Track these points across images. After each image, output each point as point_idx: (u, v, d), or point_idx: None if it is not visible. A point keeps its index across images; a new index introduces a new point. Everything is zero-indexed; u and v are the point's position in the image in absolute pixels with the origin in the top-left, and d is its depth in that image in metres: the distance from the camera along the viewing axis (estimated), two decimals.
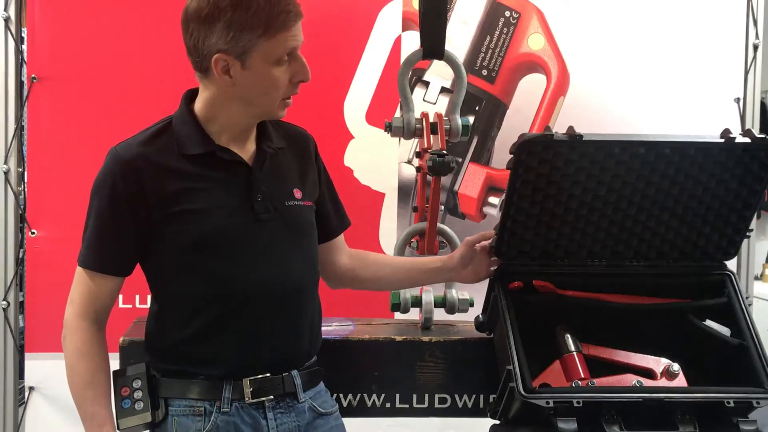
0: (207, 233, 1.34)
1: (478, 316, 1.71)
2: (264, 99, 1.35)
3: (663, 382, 1.50)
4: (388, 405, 1.71)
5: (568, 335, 1.54)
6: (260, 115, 1.40)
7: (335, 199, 1.59)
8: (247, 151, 1.41)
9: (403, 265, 1.66)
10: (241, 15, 1.25)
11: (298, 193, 1.44)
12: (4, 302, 2.42)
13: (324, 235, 1.56)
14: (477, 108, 2.56)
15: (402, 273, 1.65)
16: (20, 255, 2.45)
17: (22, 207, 2.45)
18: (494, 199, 2.57)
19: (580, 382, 1.46)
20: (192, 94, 1.41)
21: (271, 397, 1.39)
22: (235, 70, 1.30)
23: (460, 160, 2.55)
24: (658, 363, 1.53)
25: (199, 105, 1.39)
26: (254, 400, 1.38)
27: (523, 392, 1.38)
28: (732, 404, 1.38)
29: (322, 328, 1.54)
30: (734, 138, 1.46)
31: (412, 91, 2.22)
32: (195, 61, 1.33)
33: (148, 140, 1.36)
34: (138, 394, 1.39)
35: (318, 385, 1.50)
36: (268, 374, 1.39)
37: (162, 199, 1.33)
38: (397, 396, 1.71)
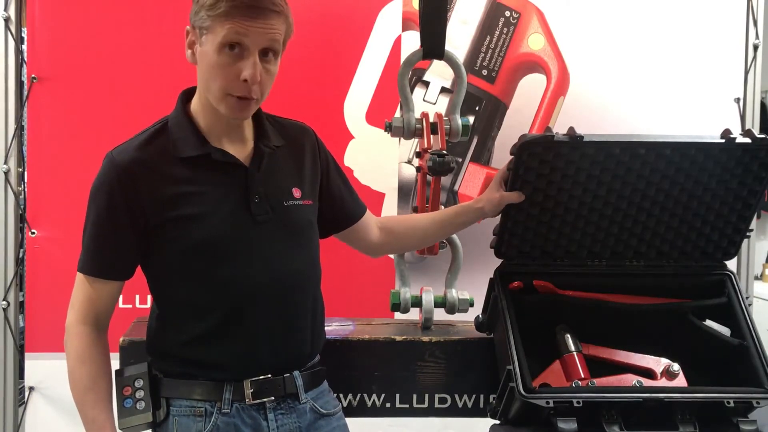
0: (204, 238, 1.33)
1: (478, 316, 1.71)
2: (210, 86, 1.32)
3: (663, 382, 1.51)
4: (388, 405, 1.71)
5: (568, 335, 1.54)
6: (214, 108, 1.36)
7: (348, 186, 1.59)
8: (244, 151, 1.39)
9: (435, 222, 1.65)
10: None
11: (297, 192, 1.43)
12: (4, 302, 2.41)
13: (344, 222, 1.57)
14: (477, 108, 2.56)
15: (437, 229, 1.65)
16: (20, 255, 2.45)
17: (22, 207, 2.44)
18: None
19: (580, 382, 1.46)
20: (188, 95, 1.40)
21: (272, 398, 1.39)
22: (196, 48, 1.32)
23: (460, 160, 2.55)
24: (658, 363, 1.53)
25: (194, 103, 1.38)
26: (255, 401, 1.37)
27: (523, 392, 1.38)
28: (732, 404, 1.39)
29: None
30: (734, 138, 1.46)
31: (412, 91, 2.22)
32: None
33: (144, 144, 1.35)
34: (140, 394, 1.38)
35: (321, 385, 1.49)
36: (269, 375, 1.39)
37: (159, 204, 1.32)
38: (397, 396, 1.71)
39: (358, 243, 1.63)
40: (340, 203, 1.55)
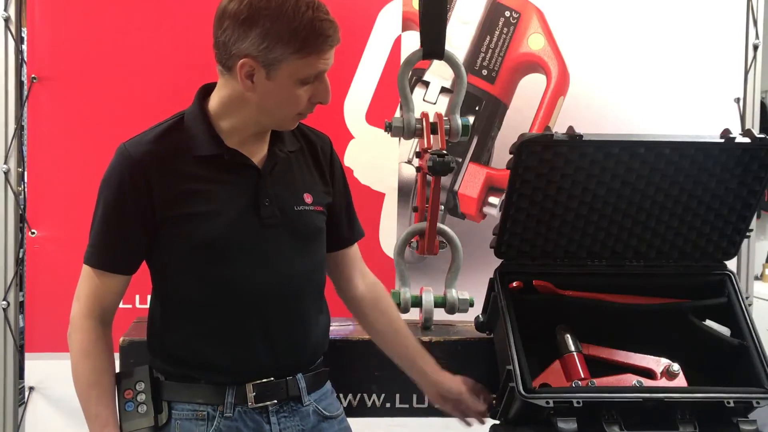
0: (211, 237, 1.32)
1: (478, 316, 1.71)
2: (279, 112, 1.33)
3: (663, 382, 1.51)
4: (388, 405, 1.71)
5: (568, 335, 1.54)
6: (271, 125, 1.38)
7: (350, 208, 1.56)
8: (258, 153, 1.39)
9: (404, 342, 1.57)
10: (280, 27, 1.23)
11: (308, 198, 1.42)
12: (4, 302, 2.41)
13: (334, 243, 1.52)
14: (477, 108, 2.56)
15: (399, 347, 1.57)
16: (20, 255, 2.45)
17: (22, 207, 2.44)
18: (494, 199, 2.57)
19: (580, 382, 1.46)
20: (206, 91, 1.39)
21: (275, 401, 1.38)
22: (259, 78, 1.28)
23: (460, 160, 2.55)
24: (658, 363, 1.53)
25: (214, 101, 1.36)
26: (257, 405, 1.36)
27: (523, 392, 1.38)
28: (732, 404, 1.39)
29: None
30: (734, 138, 1.46)
31: (412, 91, 2.22)
32: (221, 57, 1.30)
33: (158, 138, 1.34)
34: (141, 397, 1.38)
35: (324, 386, 1.49)
36: (272, 378, 1.38)
37: (168, 200, 1.31)
38: (397, 396, 1.71)
39: (335, 273, 1.56)
40: (336, 222, 1.51)
